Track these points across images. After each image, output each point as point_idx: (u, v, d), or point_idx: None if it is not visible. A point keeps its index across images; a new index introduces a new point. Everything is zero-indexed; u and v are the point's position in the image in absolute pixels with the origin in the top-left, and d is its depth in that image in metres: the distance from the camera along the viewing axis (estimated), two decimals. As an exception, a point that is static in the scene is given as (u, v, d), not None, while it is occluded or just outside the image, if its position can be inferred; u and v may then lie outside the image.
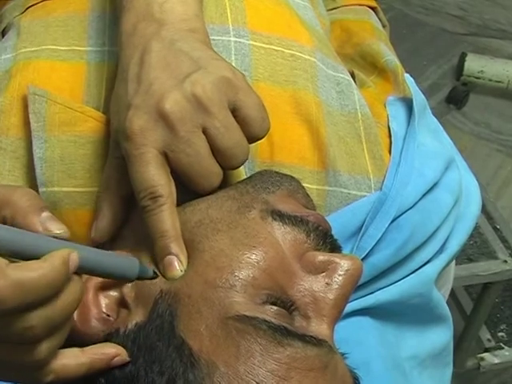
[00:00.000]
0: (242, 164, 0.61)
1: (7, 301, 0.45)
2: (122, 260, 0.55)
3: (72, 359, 0.52)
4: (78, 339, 0.55)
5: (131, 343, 0.54)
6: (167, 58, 0.60)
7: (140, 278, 0.55)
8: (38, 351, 0.48)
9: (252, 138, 0.61)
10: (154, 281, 0.57)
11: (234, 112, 0.60)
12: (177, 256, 0.57)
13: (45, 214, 0.52)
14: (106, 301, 0.57)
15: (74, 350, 0.52)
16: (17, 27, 0.78)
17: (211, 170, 0.59)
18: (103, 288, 0.58)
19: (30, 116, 0.68)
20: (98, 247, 0.59)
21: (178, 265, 0.57)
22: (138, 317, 0.56)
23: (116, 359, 0.53)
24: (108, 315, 0.57)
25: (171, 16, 0.63)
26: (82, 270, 0.51)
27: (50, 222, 0.52)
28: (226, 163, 0.60)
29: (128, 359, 0.54)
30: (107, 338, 0.55)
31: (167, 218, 0.58)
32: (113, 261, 0.54)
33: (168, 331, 0.53)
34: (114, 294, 0.58)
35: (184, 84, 0.58)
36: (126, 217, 0.63)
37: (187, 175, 0.59)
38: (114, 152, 0.62)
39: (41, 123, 0.68)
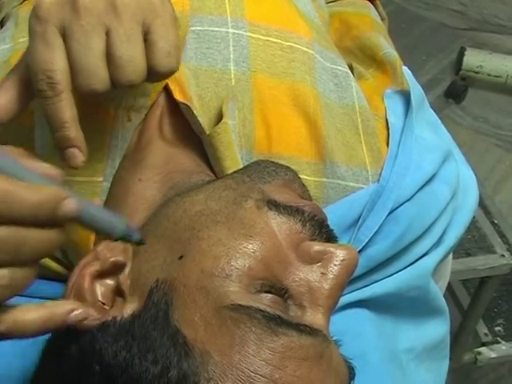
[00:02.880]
0: (130, 84, 0.59)
1: None
2: (109, 215, 0.53)
3: (25, 312, 0.50)
4: (72, 327, 0.55)
5: (126, 332, 0.54)
6: None
7: (124, 238, 0.54)
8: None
9: (153, 69, 0.59)
10: (151, 270, 0.57)
11: (145, 35, 0.58)
12: (78, 147, 0.58)
13: (37, 160, 0.52)
14: (102, 289, 0.57)
15: (30, 305, 0.51)
16: (15, 17, 0.78)
17: (95, 70, 0.57)
18: (99, 276, 0.58)
19: (34, 104, 0.68)
20: None
21: (79, 156, 0.59)
22: (133, 305, 0.56)
23: (72, 314, 0.52)
24: (103, 303, 0.57)
25: None
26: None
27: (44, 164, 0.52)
28: (114, 73, 0.58)
29: (83, 315, 0.53)
30: (102, 327, 0.55)
31: (66, 109, 0.57)
32: (100, 213, 0.53)
33: (163, 320, 0.53)
34: (110, 282, 0.58)
35: None
36: (26, 103, 0.60)
37: (72, 66, 0.57)
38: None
39: None
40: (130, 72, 0.58)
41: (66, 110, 0.57)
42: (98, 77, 0.57)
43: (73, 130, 0.58)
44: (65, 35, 0.56)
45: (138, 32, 0.58)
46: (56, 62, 0.56)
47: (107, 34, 0.57)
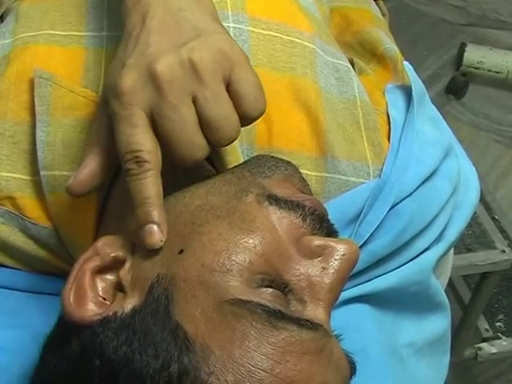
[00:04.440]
0: (230, 141, 0.59)
1: None
2: None
3: None
4: (74, 322, 0.55)
5: (126, 327, 0.54)
6: (169, 23, 0.58)
7: None
8: None
9: (244, 116, 0.58)
10: (151, 265, 0.57)
11: (228, 87, 0.57)
12: (158, 225, 0.56)
13: None
14: (102, 284, 0.57)
15: None
16: (15, 12, 0.78)
17: (194, 141, 0.57)
18: (100, 271, 0.58)
19: (36, 99, 0.69)
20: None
21: (158, 234, 0.56)
22: (134, 300, 0.55)
23: None
24: (104, 299, 0.57)
25: None
26: None
27: None
28: (213, 137, 0.57)
29: None
30: (103, 322, 0.55)
31: (151, 185, 0.56)
32: None
33: (163, 315, 0.53)
34: (110, 277, 0.58)
35: (181, 49, 0.56)
36: (108, 173, 0.61)
37: (169, 143, 0.57)
38: (104, 110, 0.59)
39: (45, 107, 0.68)
40: (229, 131, 0.57)
41: (151, 186, 0.56)
42: (197, 146, 0.57)
43: (155, 207, 0.56)
44: (153, 114, 0.56)
45: (222, 89, 0.57)
46: (143, 144, 0.55)
47: (194, 99, 0.56)
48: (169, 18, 0.59)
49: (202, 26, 0.59)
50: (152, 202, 0.56)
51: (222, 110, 0.57)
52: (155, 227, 0.56)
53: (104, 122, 0.59)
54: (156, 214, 0.56)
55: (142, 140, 0.55)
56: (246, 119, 0.59)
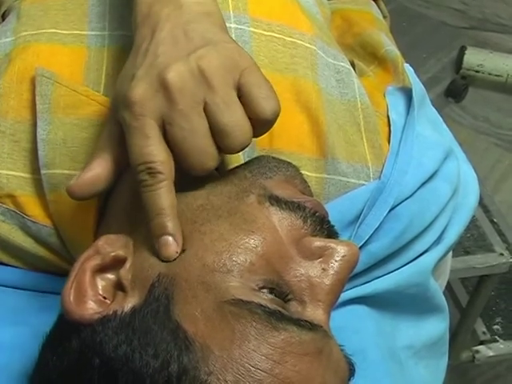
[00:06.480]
0: (242, 148, 0.58)
1: None
2: None
3: None
4: (74, 320, 0.55)
5: (126, 326, 0.54)
6: (178, 35, 0.58)
7: None
8: None
9: (258, 119, 0.57)
10: (152, 264, 0.57)
11: (238, 92, 0.57)
12: (173, 236, 0.56)
13: None
14: (102, 283, 0.57)
15: None
16: (17, 11, 0.78)
17: (205, 149, 0.56)
18: (100, 270, 0.58)
19: (37, 98, 0.69)
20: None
21: (173, 245, 0.56)
22: (134, 300, 0.55)
23: None
24: (104, 297, 0.57)
25: None
26: None
27: None
28: (224, 143, 0.57)
29: None
30: (103, 320, 0.55)
31: (165, 196, 0.56)
32: None
33: (163, 315, 0.53)
34: (111, 276, 0.58)
35: (189, 58, 0.56)
36: (112, 182, 0.61)
37: (180, 151, 0.56)
38: (114, 117, 0.59)
39: (46, 105, 0.68)
40: (241, 136, 0.57)
41: (165, 197, 0.56)
42: (209, 155, 0.57)
43: (170, 218, 0.56)
44: (164, 124, 0.56)
45: (233, 94, 0.56)
46: (156, 154, 0.55)
47: (205, 107, 0.56)
48: (178, 30, 0.59)
49: (209, 36, 0.59)
50: (166, 213, 0.56)
51: (233, 116, 0.56)
52: (170, 238, 0.56)
53: (114, 130, 0.59)
54: (171, 225, 0.56)
55: (154, 151, 0.55)
56: (260, 122, 0.58)
